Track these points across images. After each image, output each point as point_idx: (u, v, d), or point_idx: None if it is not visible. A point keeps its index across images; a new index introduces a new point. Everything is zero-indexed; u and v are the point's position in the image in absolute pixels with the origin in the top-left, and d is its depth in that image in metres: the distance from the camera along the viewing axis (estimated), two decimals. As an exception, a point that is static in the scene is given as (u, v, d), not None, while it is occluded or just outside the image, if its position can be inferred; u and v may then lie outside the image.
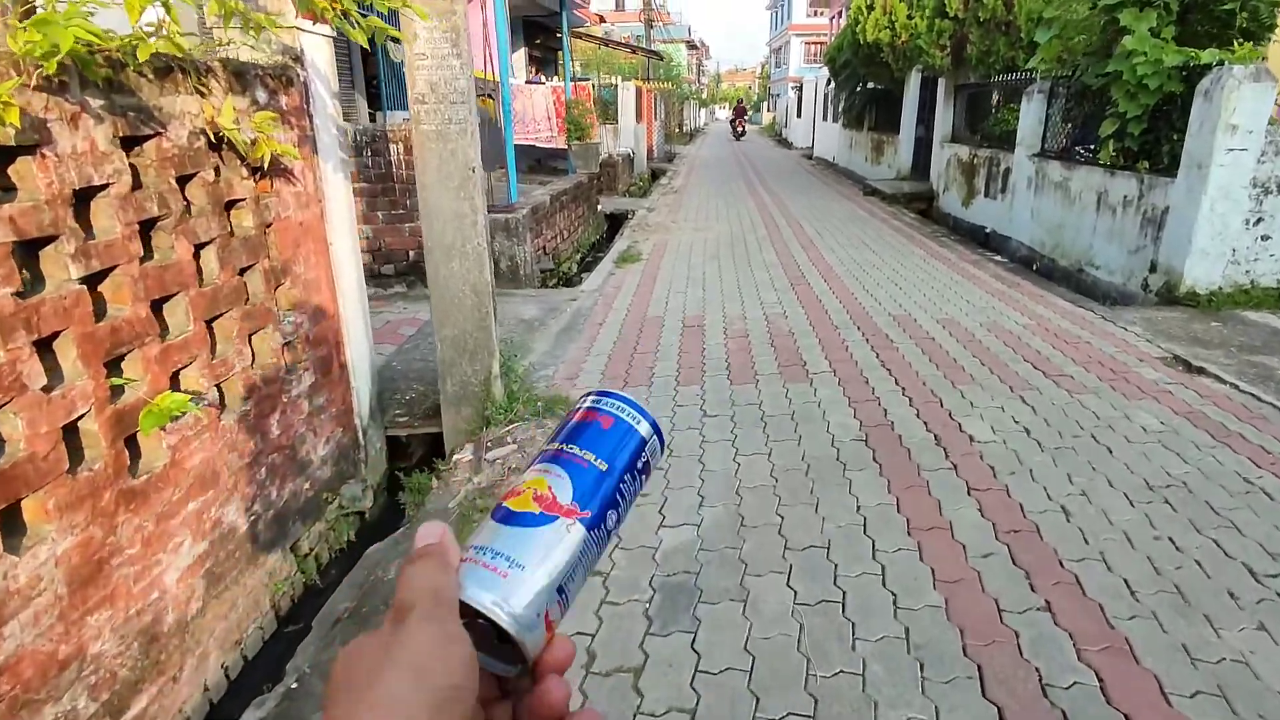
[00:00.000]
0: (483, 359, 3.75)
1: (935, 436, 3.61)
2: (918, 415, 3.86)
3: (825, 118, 23.93)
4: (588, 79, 17.67)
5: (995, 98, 10.75)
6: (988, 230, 10.01)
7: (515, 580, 0.40)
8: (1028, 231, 8.75)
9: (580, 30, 23.25)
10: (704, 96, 65.90)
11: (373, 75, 14.67)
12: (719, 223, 10.70)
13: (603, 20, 41.10)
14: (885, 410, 3.92)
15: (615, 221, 12.31)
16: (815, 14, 53.09)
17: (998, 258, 8.44)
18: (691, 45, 67.16)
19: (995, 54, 10.25)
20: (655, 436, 0.48)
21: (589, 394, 0.50)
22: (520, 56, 19.73)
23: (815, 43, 53.36)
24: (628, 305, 6.28)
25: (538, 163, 17.50)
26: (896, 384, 4.29)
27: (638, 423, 0.48)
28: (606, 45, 21.79)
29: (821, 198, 13.68)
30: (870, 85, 17.54)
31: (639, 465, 0.47)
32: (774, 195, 14.04)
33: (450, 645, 0.36)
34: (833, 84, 21.79)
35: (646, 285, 7.00)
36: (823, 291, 6.64)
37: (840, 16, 33.19)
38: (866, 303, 6.23)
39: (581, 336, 5.41)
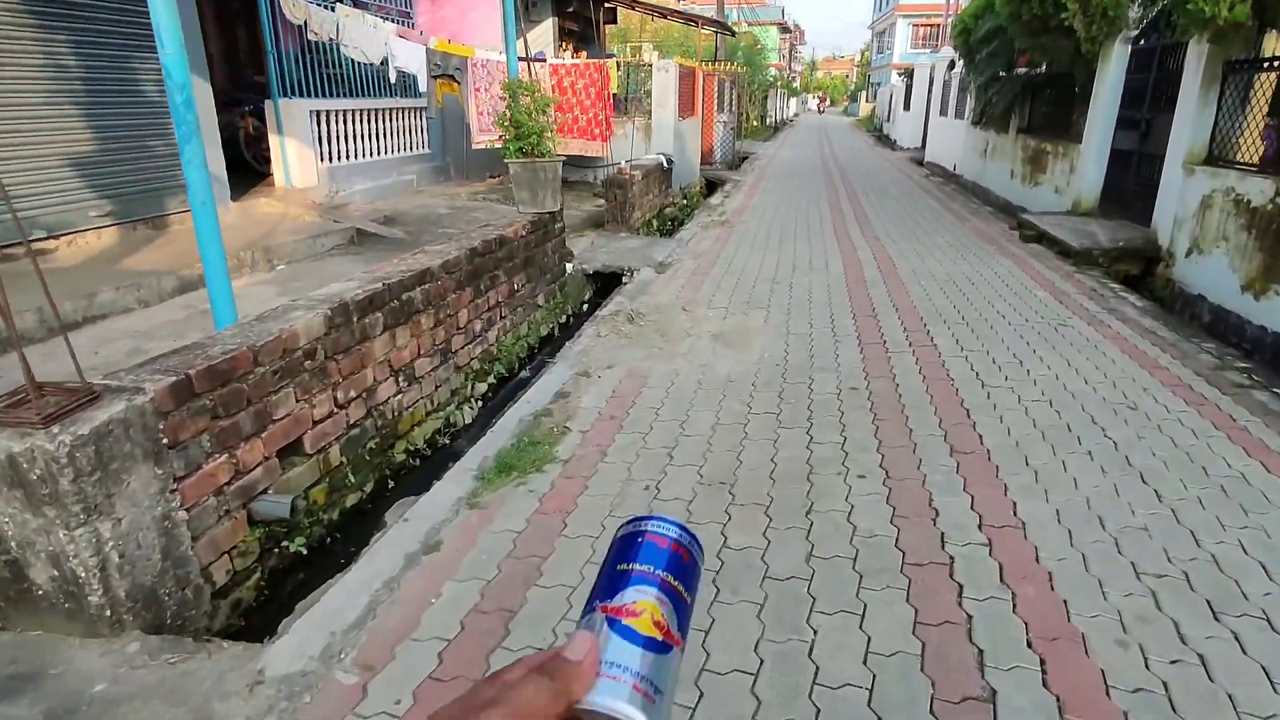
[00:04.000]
0: None
1: None
2: None
3: (944, 112, 18.29)
4: (612, 55, 12.84)
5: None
6: (1334, 362, 4.68)
7: (659, 707, 0.42)
8: None
9: (633, -1, 18.35)
10: (795, 85, 59.80)
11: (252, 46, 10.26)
12: (773, 313, 5.70)
13: (682, -2, 36.03)
14: None
15: (609, 284, 7.48)
16: (927, -9, 46.68)
17: None
18: (784, 28, 61.12)
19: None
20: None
21: (665, 521, 0.51)
22: (546, 29, 15.07)
23: (925, 24, 46.86)
24: None
25: (541, 172, 12.79)
26: None
27: (703, 559, 0.51)
28: (658, 15, 16.85)
29: (953, 245, 8.41)
30: (1022, 69, 12.03)
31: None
32: (873, 236, 8.85)
33: None
34: (959, 68, 16.21)
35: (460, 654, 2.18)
36: None
37: (962, -12, 27.06)
38: None
39: None
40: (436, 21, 11.73)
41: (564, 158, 6.24)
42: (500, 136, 6.34)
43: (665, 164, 11.32)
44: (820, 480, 3.22)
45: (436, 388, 4.43)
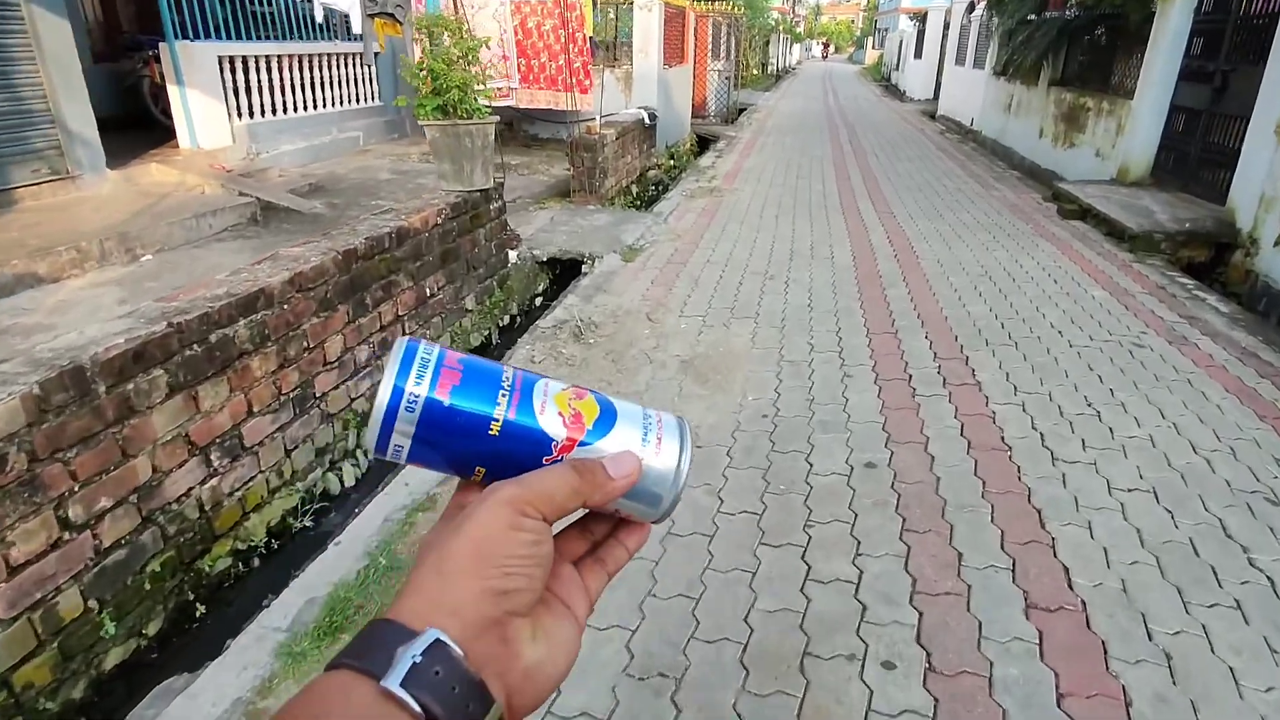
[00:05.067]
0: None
1: None
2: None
3: (960, 61, 16.68)
4: (587, -8, 11.21)
5: None
6: None
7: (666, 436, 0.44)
8: None
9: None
10: (798, 30, 57.01)
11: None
12: (762, 326, 4.41)
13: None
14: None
15: (568, 272, 6.18)
16: (940, -71, 44.01)
17: None
18: (788, -31, 58.02)
19: None
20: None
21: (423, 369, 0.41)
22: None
23: (938, -35, 44.21)
24: None
25: (508, 127, 11.33)
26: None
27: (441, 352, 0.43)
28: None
29: (981, 223, 7.06)
30: (1055, 12, 10.50)
31: None
32: (885, 210, 7.49)
33: (513, 532, 0.38)
34: (979, 10, 14.59)
35: None
36: None
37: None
38: None
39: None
40: (381, -50, 10.12)
41: (497, 119, 4.86)
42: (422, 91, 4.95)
43: (647, 120, 9.88)
44: (821, 674, 1.99)
45: (289, 451, 3.18)
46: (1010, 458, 2.99)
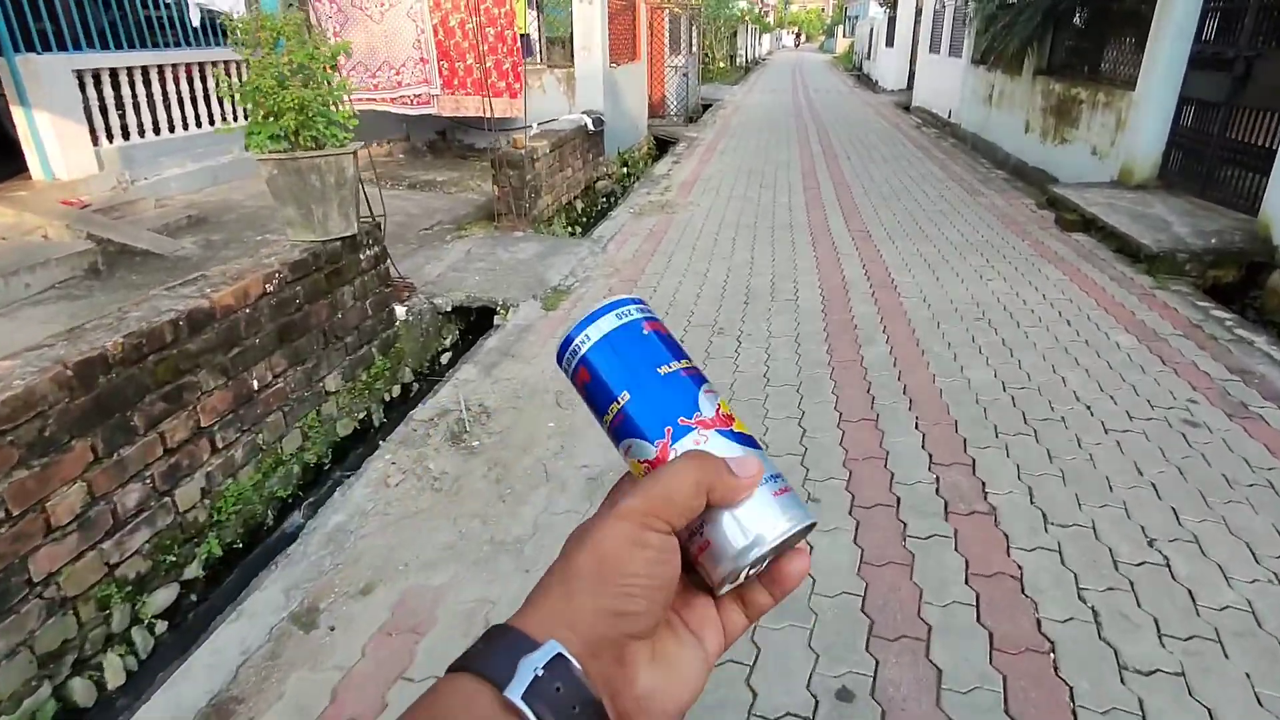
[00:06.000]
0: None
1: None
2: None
3: (935, 48, 15.72)
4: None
5: None
6: None
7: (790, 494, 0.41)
8: None
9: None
10: (768, 20, 55.95)
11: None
12: (701, 410, 3.42)
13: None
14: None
15: (481, 321, 5.12)
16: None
17: None
18: (755, -42, 56.89)
19: None
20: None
21: (628, 304, 0.44)
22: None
23: (906, -50, 43.31)
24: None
25: (440, 136, 10.21)
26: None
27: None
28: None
29: (971, 242, 6.06)
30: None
31: None
32: (860, 228, 6.47)
33: (635, 549, 0.36)
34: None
35: None
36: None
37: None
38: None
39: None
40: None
41: (359, 146, 3.77)
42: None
43: (591, 126, 8.79)
44: None
45: (-25, 681, 2.11)
46: (1055, 668, 1.98)
